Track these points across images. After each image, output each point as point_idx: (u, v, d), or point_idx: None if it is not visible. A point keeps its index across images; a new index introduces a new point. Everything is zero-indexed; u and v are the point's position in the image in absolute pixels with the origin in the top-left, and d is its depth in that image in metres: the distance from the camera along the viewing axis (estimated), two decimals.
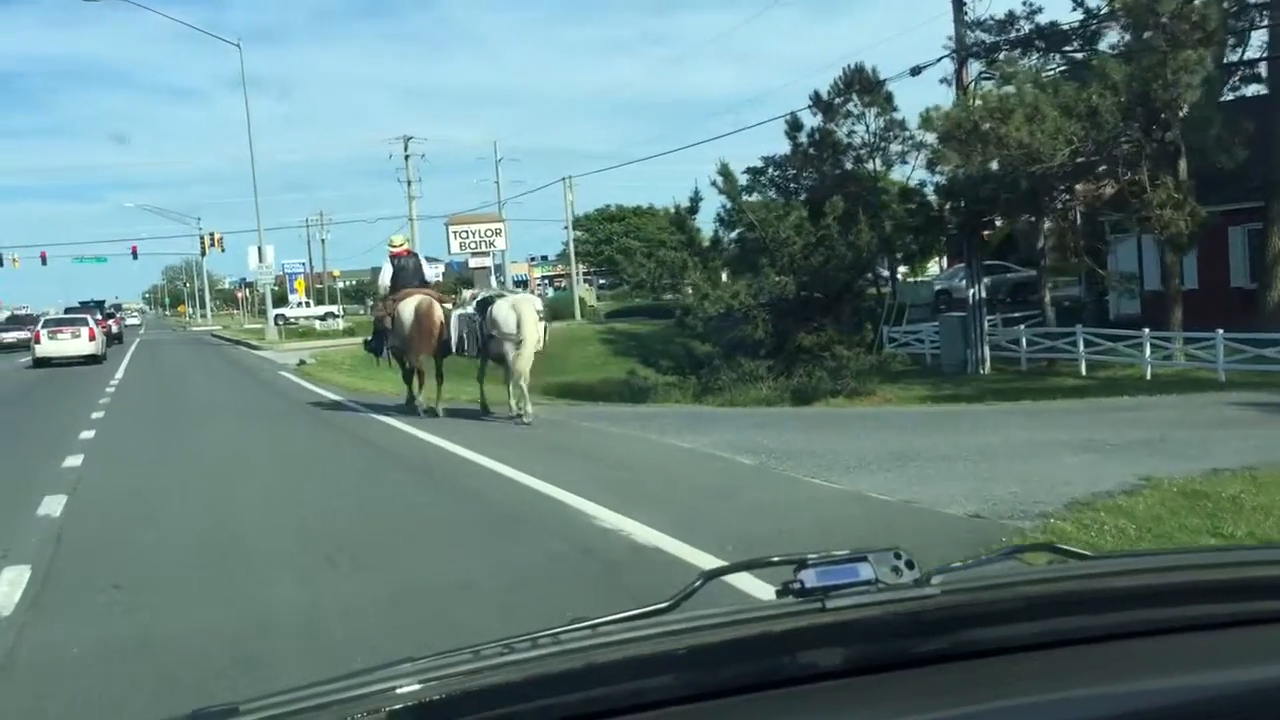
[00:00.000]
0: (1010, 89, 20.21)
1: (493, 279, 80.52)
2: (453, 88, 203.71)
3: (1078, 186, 24.42)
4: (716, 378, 23.83)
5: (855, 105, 34.77)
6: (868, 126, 35.21)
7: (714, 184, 24.28)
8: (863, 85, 33.83)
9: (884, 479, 8.77)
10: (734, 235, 24.39)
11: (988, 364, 26.60)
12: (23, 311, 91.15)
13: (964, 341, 26.84)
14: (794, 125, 35.11)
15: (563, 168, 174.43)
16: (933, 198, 26.03)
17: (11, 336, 53.94)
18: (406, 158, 68.93)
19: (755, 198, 32.19)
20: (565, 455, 10.46)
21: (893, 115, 34.64)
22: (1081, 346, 24.87)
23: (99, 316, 45.01)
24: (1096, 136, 19.61)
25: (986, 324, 26.62)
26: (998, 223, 28.30)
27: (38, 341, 34.56)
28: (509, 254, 75.61)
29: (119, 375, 27.82)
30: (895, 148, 35.14)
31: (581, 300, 59.12)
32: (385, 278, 15.25)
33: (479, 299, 14.14)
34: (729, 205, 24.28)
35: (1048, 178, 21.15)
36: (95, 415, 16.81)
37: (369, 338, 16.75)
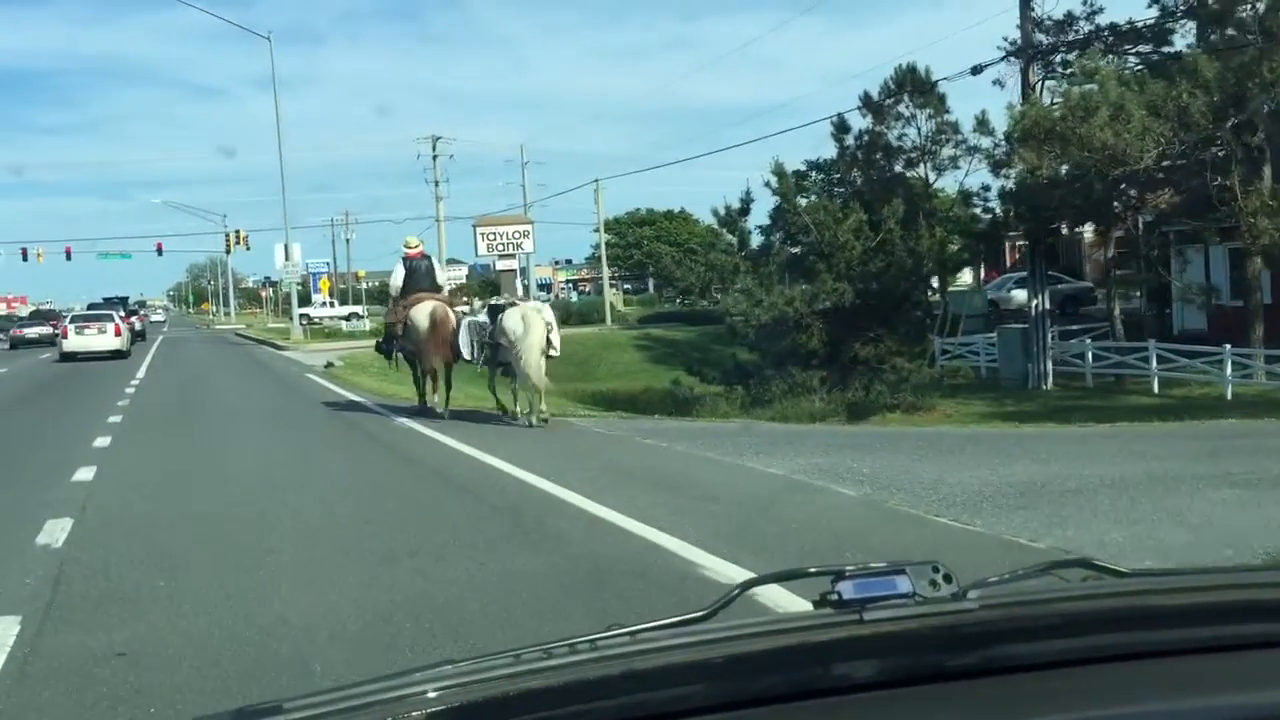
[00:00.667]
0: (1090, 87, 18.85)
1: (518, 282, 79.47)
2: (478, 91, 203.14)
3: (1147, 194, 23.06)
4: (766, 389, 22.52)
5: (906, 107, 33.51)
6: (919, 129, 33.93)
7: (767, 184, 23.00)
8: (915, 86, 32.51)
9: (1020, 519, 7.48)
10: (784, 238, 23.03)
11: (1050, 379, 25.21)
12: (47, 307, 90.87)
13: (1025, 355, 25.47)
14: (841, 127, 33.77)
15: (585, 172, 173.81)
16: (995, 203, 24.74)
17: (34, 331, 53.20)
18: (435, 158, 67.97)
19: (800, 201, 30.98)
20: (641, 483, 9.18)
21: (945, 118, 33.40)
22: (1154, 363, 23.49)
23: (123, 313, 44.27)
24: (1186, 138, 18.23)
25: (1049, 337, 25.26)
26: (1063, 230, 26.91)
27: (65, 336, 35.13)
28: (534, 257, 75.03)
29: (140, 374, 26.78)
30: (947, 152, 33.88)
31: (610, 305, 57.98)
32: (398, 278, 15.13)
33: (489, 306, 14.10)
34: (781, 207, 22.98)
35: (1128, 182, 19.78)
36: (113, 419, 15.69)
37: (380, 340, 16.94)
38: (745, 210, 23.32)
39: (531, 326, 12.84)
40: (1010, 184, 23.62)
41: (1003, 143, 31.24)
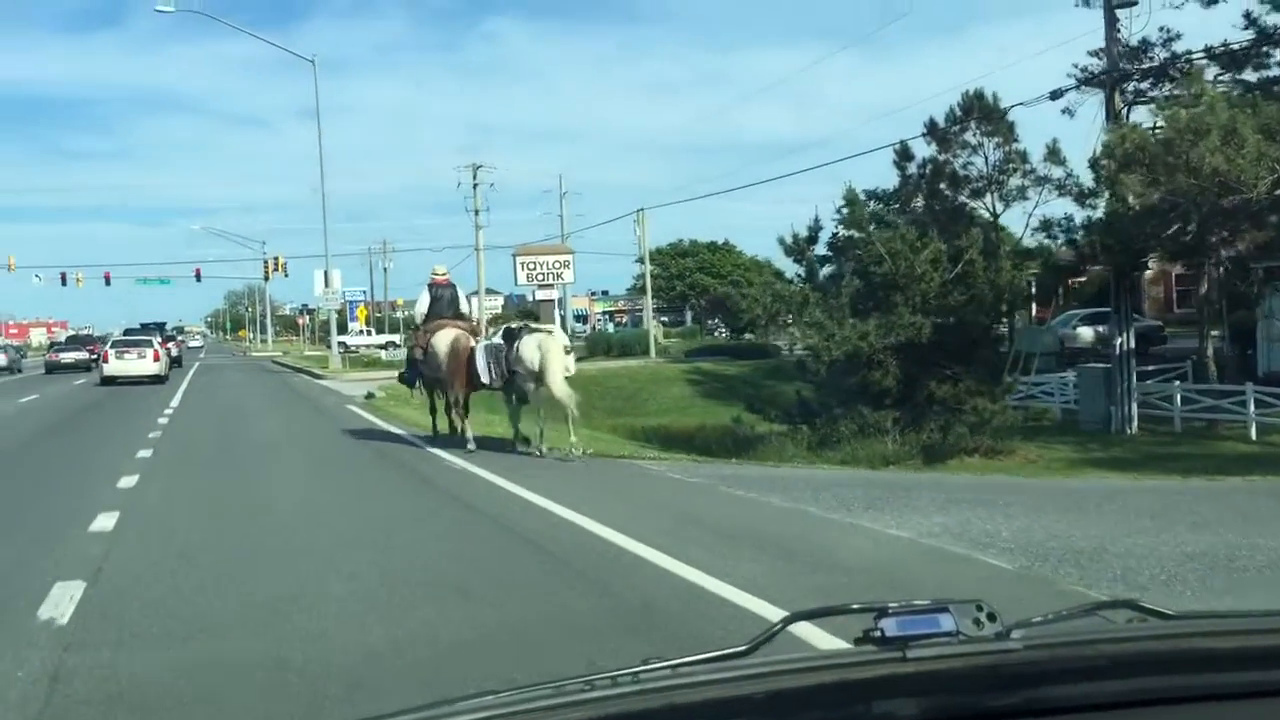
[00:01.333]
0: (1197, 109, 17.41)
1: (556, 313, 78.26)
2: (513, 122, 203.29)
3: (1249, 226, 21.50)
4: (834, 429, 21.05)
5: (974, 134, 32.14)
6: (986, 158, 32.54)
7: (838, 211, 21.66)
8: (982, 113, 31.15)
9: (1230, 606, 6.07)
10: (855, 268, 21.61)
11: (1135, 423, 23.60)
12: (85, 332, 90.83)
13: (1107, 397, 23.89)
14: (903, 155, 32.43)
15: (619, 205, 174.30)
16: (1065, 236, 23.29)
17: (69, 357, 52.59)
18: (475, 185, 67.24)
19: (854, 233, 29.62)
20: (747, 547, 7.79)
21: (1014, 146, 31.99)
22: (1251, 407, 21.86)
23: (160, 339, 43.57)
24: None
25: (1135, 378, 23.65)
26: (1150, 265, 25.38)
27: (105, 361, 36.13)
28: (571, 288, 74.02)
29: (175, 402, 25.75)
30: (1014, 182, 32.46)
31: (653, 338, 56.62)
32: (422, 305, 15.21)
33: (505, 329, 14.02)
34: (852, 235, 21.61)
35: (1233, 213, 18.29)
36: (142, 454, 14.51)
37: (402, 370, 16.99)
38: (813, 239, 21.96)
39: (550, 353, 12.72)
40: (1095, 214, 22.16)
41: (1075, 172, 29.91)
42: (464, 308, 15.63)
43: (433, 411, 15.53)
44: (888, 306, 20.43)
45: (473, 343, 14.06)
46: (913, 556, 7.54)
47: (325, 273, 43.38)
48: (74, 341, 60.74)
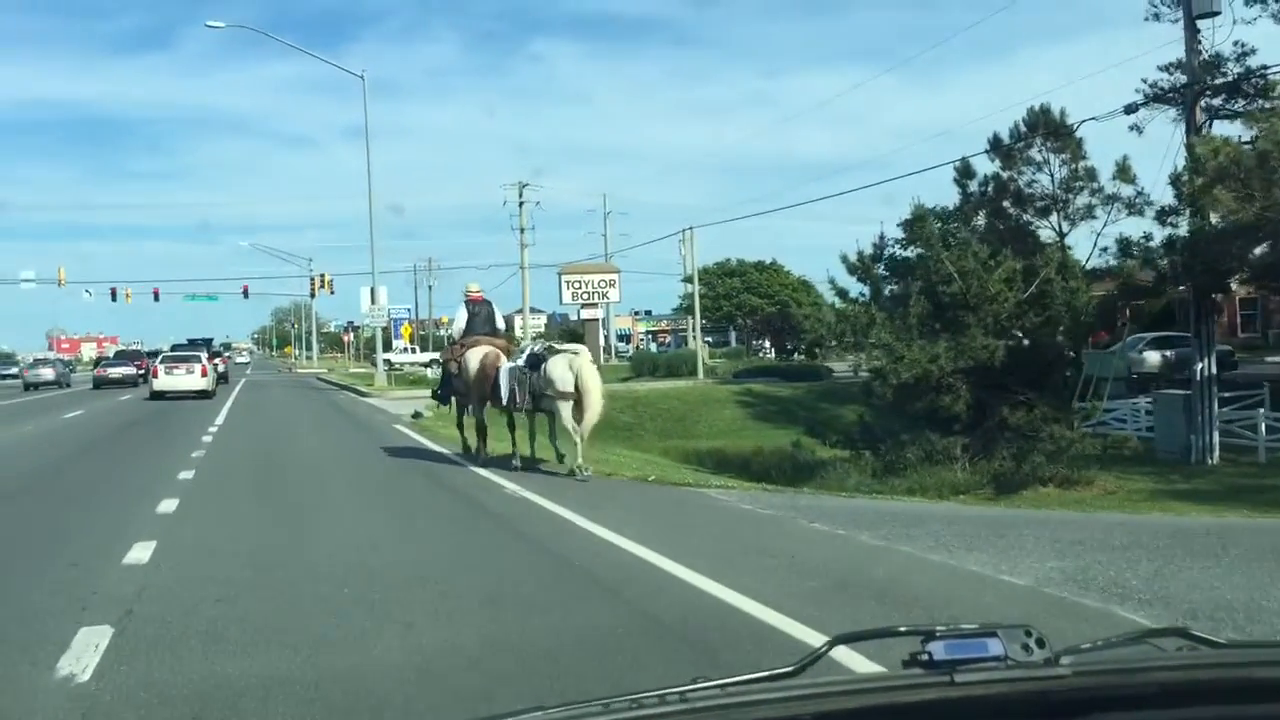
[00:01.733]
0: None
1: (601, 332, 77.53)
2: (558, 143, 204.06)
3: None
4: (900, 455, 20.10)
5: (1039, 150, 31.11)
6: (1052, 175, 31.49)
7: (901, 227, 20.79)
8: (1049, 129, 30.13)
9: None
10: (922, 287, 20.65)
11: (1216, 452, 22.42)
12: (134, 347, 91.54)
13: (1187, 424, 22.72)
14: (964, 172, 31.45)
15: (662, 225, 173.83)
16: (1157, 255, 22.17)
17: (117, 372, 52.61)
18: (521, 204, 67.11)
19: (912, 253, 28.66)
20: (855, 595, 6.94)
21: (1082, 163, 30.92)
22: None
23: (206, 354, 43.44)
24: None
25: (1217, 405, 22.48)
26: (1233, 285, 24.21)
27: (155, 376, 36.94)
28: (615, 307, 73.13)
29: (220, 419, 25.25)
30: (1081, 200, 31.39)
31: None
32: (460, 322, 15.35)
33: (529, 353, 13.85)
34: (918, 253, 20.72)
35: None
36: (184, 475, 13.89)
37: (436, 387, 17.12)
38: (878, 256, 21.07)
39: (584, 371, 12.71)
40: (1176, 233, 21.06)
41: (1145, 190, 28.77)
42: (500, 324, 15.65)
43: (460, 427, 15.72)
44: (957, 327, 19.47)
45: (502, 361, 14.04)
46: (1041, 610, 6.63)
47: (372, 290, 42.99)
48: (122, 356, 60.87)
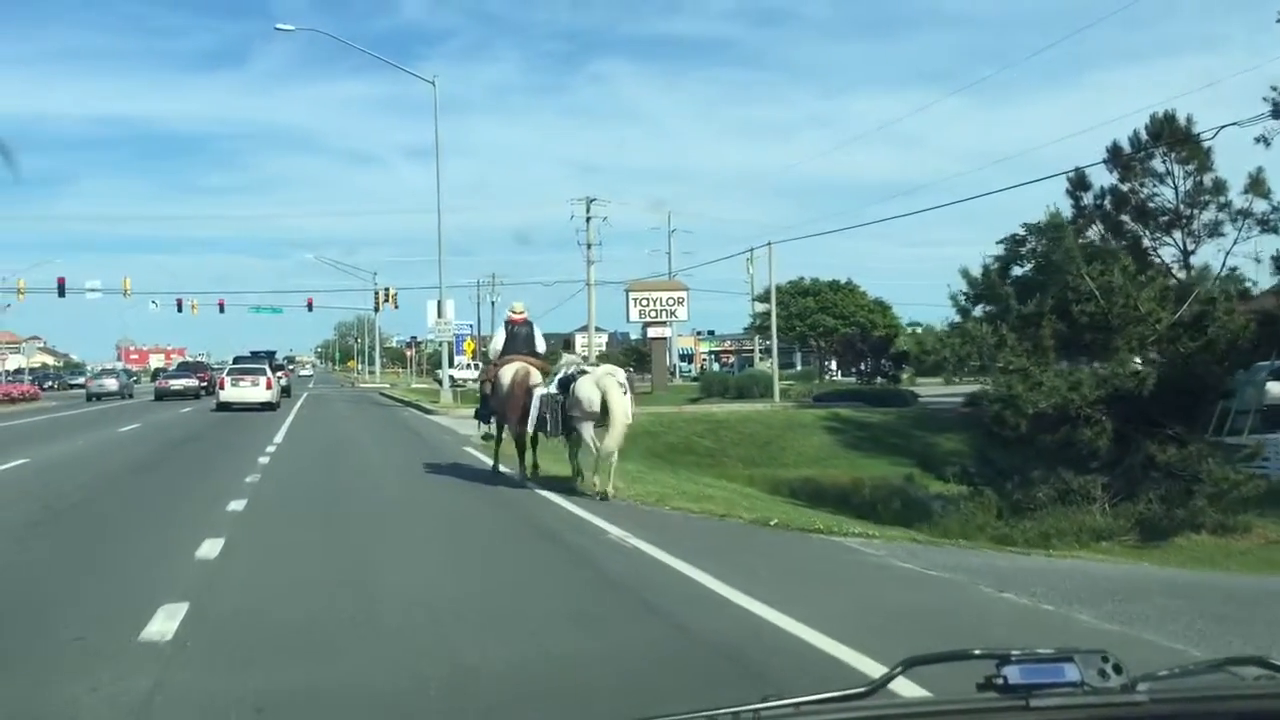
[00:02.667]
0: None
1: (668, 352, 75.14)
2: (620, 162, 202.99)
3: None
4: (1029, 494, 17.89)
5: (1163, 160, 28.69)
6: (1176, 188, 29.02)
7: (1029, 236, 18.60)
8: (1174, 138, 27.73)
9: None
10: (1054, 306, 18.44)
11: None
12: (198, 359, 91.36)
13: None
14: (1078, 184, 29.11)
15: (724, 246, 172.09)
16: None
17: (179, 384, 51.74)
18: (588, 220, 65.58)
19: (1020, 271, 26.47)
20: None
21: (1209, 174, 28.45)
22: None
23: (270, 367, 42.35)
24: None
25: None
26: None
27: (221, 388, 37.20)
28: (681, 326, 71.09)
29: (279, 437, 23.71)
30: (1207, 216, 28.89)
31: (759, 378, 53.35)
32: (498, 343, 15.28)
33: (560, 377, 13.59)
34: (1054, 266, 18.56)
35: None
36: (234, 505, 12.15)
37: (478, 406, 16.89)
38: (1006, 270, 18.91)
39: (613, 397, 12.53)
40: None
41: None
42: (539, 345, 15.47)
43: (496, 443, 15.55)
44: (1098, 351, 17.26)
45: (535, 378, 14.03)
46: None
47: (439, 302, 41.49)
48: (184, 368, 60.14)
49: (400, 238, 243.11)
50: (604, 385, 12.70)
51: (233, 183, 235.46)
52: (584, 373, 13.26)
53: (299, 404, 43.42)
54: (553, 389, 13.51)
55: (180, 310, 76.69)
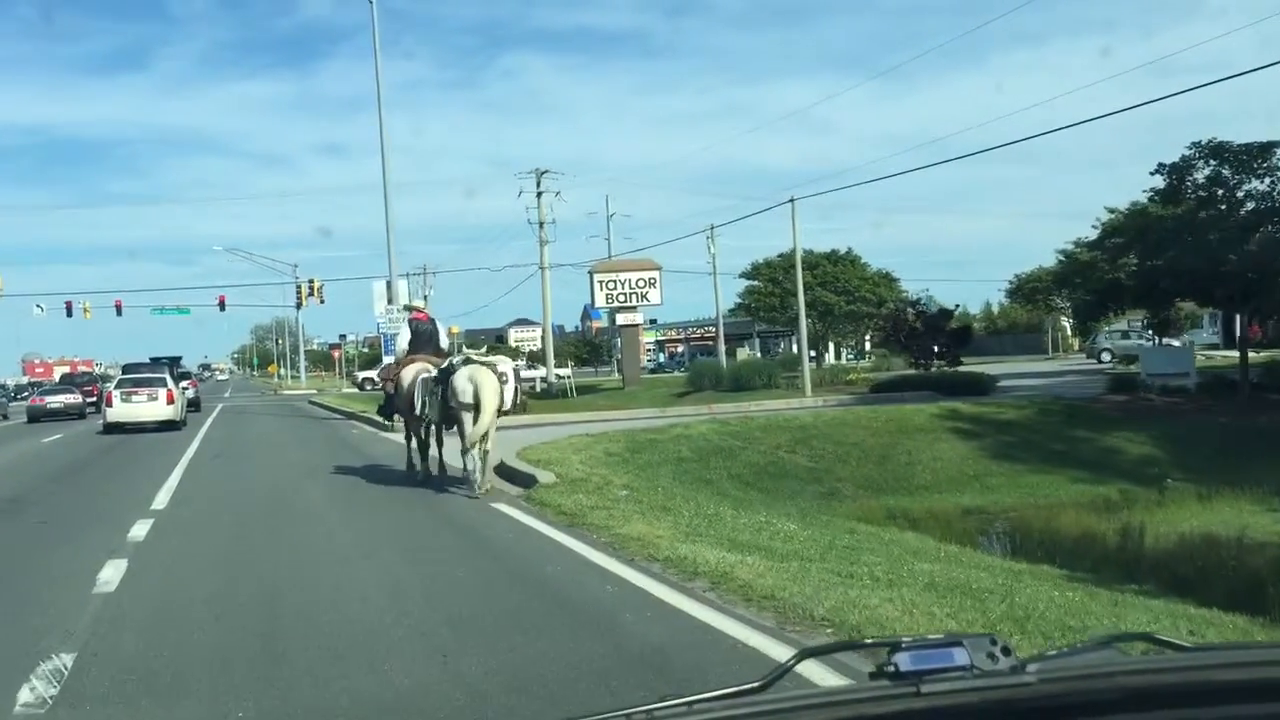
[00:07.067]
0: None
1: (640, 342, 64.52)
2: (536, 157, 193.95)
3: None
4: None
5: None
6: None
7: None
8: None
9: None
10: None
11: None
12: (84, 370, 79.87)
13: None
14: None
15: (652, 232, 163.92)
16: None
17: (58, 401, 41.55)
18: (539, 195, 56.48)
19: None
20: None
21: None
22: None
23: (170, 377, 32.77)
24: None
25: None
26: None
27: (109, 405, 30.09)
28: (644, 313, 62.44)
29: (173, 480, 14.85)
30: None
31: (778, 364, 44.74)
32: (402, 342, 15.26)
33: (443, 368, 13.49)
34: None
35: None
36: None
37: (381, 404, 17.28)
38: None
39: (482, 385, 12.50)
40: None
41: None
42: (444, 343, 15.58)
43: (407, 442, 15.11)
44: None
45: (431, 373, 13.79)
46: None
47: (388, 284, 32.20)
48: (66, 382, 49.88)
49: (317, 240, 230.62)
50: (476, 378, 12.59)
51: (136, 190, 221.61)
52: (468, 362, 13.03)
53: (210, 421, 33.84)
54: (431, 374, 13.63)
55: (70, 314, 65.76)
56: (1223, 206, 24.09)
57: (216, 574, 8.48)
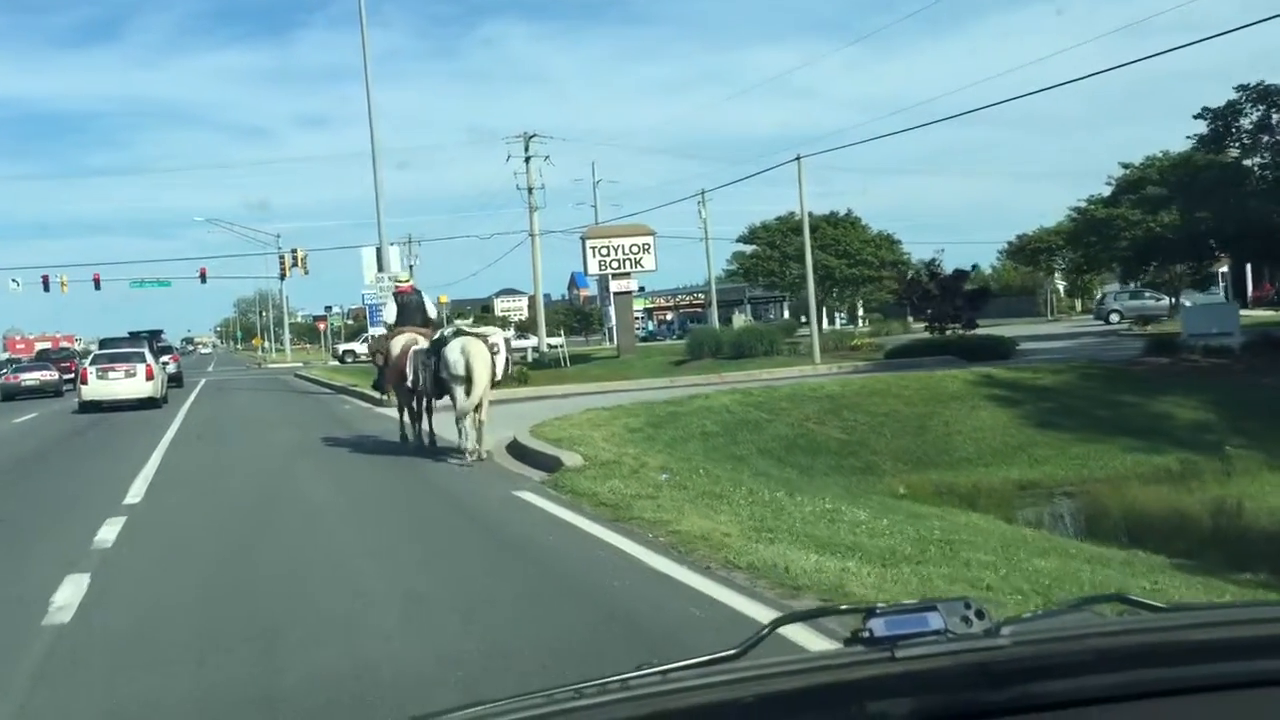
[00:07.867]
0: None
1: (632, 309, 62.91)
2: (518, 126, 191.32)
3: None
4: None
5: None
6: None
7: None
8: None
9: None
10: None
11: None
12: (65, 344, 77.89)
13: None
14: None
15: (633, 200, 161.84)
16: None
17: (33, 378, 39.84)
18: (527, 160, 54.80)
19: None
20: None
21: None
22: None
23: (150, 351, 31.05)
24: None
25: None
26: None
27: (84, 382, 28.68)
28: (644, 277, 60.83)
29: (150, 468, 13.37)
30: None
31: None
32: (389, 315, 15.47)
33: (434, 339, 13.83)
34: None
35: None
36: None
37: (377, 377, 17.27)
38: None
39: (474, 356, 12.60)
40: None
41: None
42: (431, 313, 15.75)
43: (400, 413, 15.30)
44: None
45: (423, 346, 13.99)
46: None
47: (378, 251, 30.51)
48: (43, 358, 48.07)
49: (298, 210, 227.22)
50: (468, 350, 12.64)
51: (115, 162, 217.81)
52: (459, 334, 13.15)
53: (192, 398, 32.20)
54: (423, 346, 13.85)
55: (47, 289, 63.77)
56: (1268, 154, 22.67)
57: (199, 597, 6.92)
